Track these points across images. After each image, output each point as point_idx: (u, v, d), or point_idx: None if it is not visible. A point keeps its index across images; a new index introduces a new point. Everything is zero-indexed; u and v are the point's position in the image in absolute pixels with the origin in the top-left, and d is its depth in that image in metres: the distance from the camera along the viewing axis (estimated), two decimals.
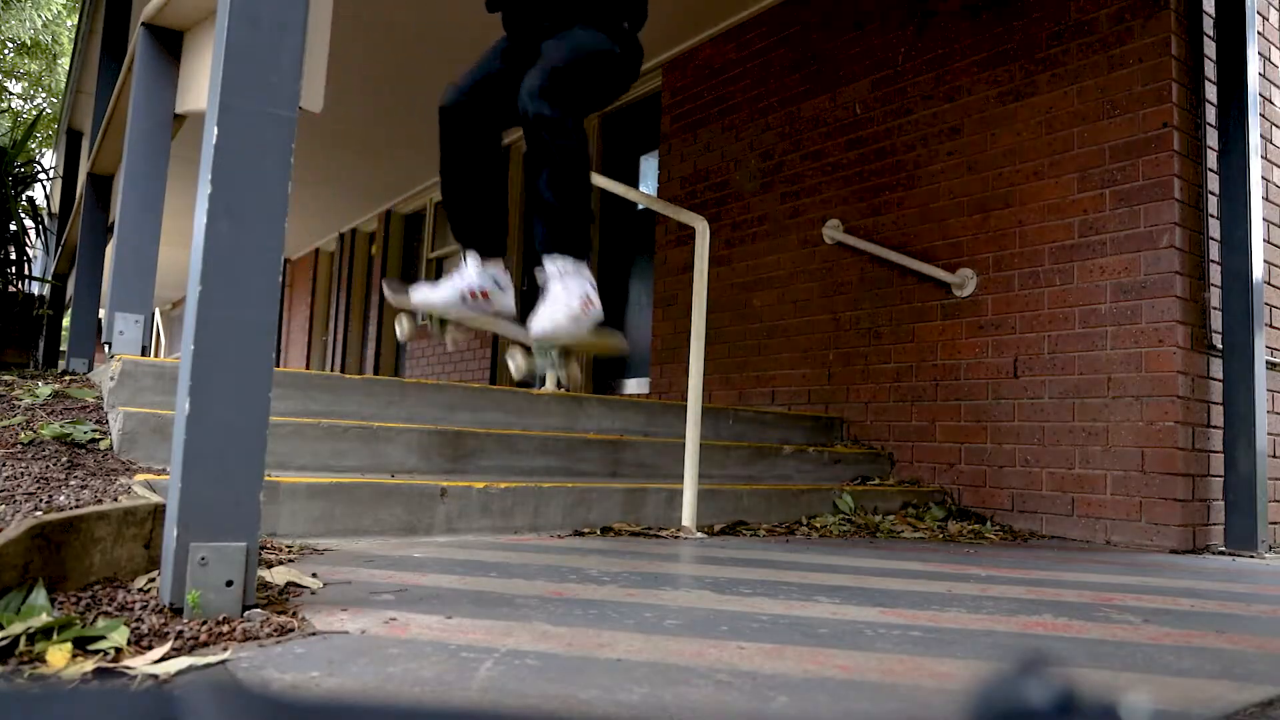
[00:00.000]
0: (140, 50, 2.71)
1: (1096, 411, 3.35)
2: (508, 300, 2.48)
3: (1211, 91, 3.39)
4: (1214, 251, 3.32)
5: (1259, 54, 3.55)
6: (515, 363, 2.36)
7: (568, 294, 2.22)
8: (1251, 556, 3.08)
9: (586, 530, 2.66)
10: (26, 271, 5.17)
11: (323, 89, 1.59)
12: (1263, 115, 3.55)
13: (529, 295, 2.62)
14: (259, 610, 1.31)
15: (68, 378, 3.20)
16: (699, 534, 2.79)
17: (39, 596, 1.19)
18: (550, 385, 3.66)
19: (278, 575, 1.57)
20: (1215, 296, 3.30)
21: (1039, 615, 1.68)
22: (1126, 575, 2.35)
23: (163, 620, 1.22)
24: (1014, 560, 2.59)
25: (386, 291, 2.51)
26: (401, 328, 2.53)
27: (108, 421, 2.41)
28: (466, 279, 2.44)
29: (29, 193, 5.33)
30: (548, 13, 2.42)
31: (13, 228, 4.91)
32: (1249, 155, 3.29)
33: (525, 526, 2.57)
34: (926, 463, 3.91)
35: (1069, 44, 3.57)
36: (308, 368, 11.43)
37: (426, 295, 2.44)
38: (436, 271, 9.00)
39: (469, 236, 2.46)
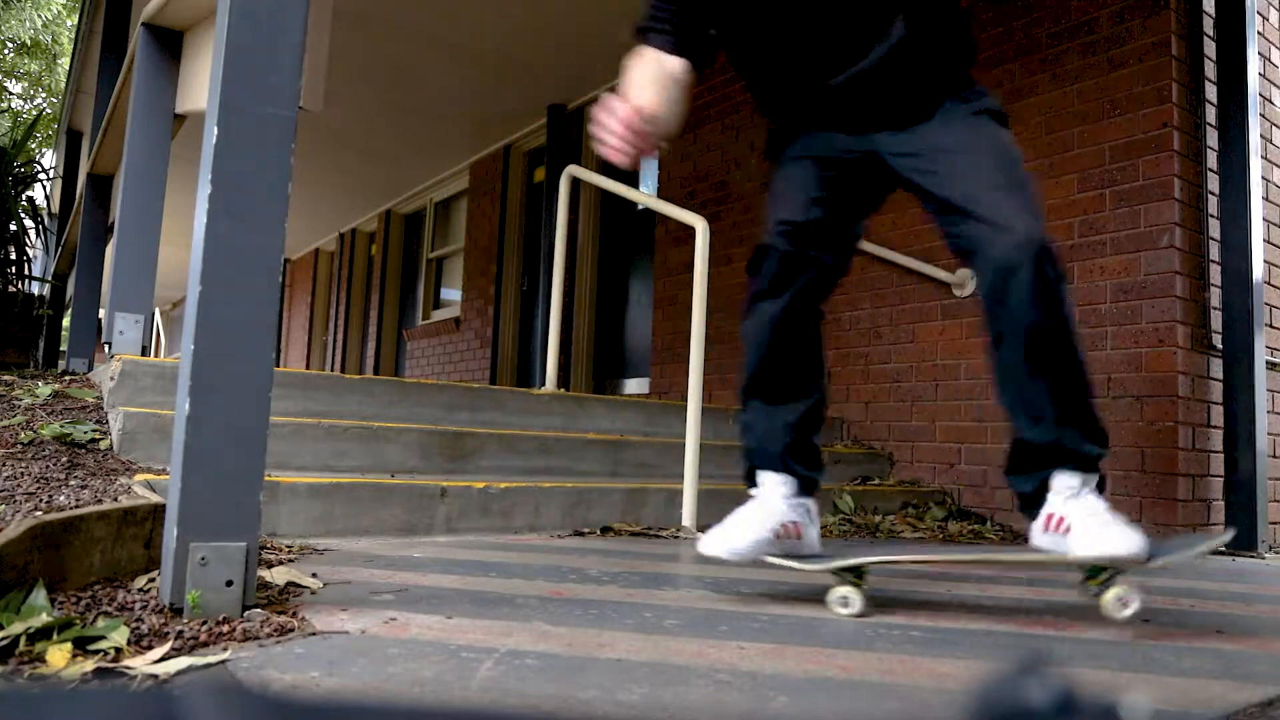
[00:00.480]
0: (140, 50, 2.71)
1: None
2: (814, 534, 1.81)
3: (1211, 91, 3.39)
4: (1214, 251, 3.31)
5: (1259, 54, 3.55)
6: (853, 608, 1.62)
7: (1108, 518, 1.54)
8: (1251, 556, 3.08)
9: (586, 530, 2.66)
10: (26, 271, 5.17)
11: (323, 89, 1.60)
12: (1263, 115, 3.55)
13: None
14: (259, 610, 1.31)
15: (68, 378, 3.21)
16: (699, 534, 2.78)
17: (39, 596, 1.19)
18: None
19: (278, 575, 1.57)
20: (1215, 296, 3.29)
21: (1039, 615, 1.68)
22: (1126, 575, 2.35)
23: (163, 620, 1.22)
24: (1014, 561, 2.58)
25: (702, 548, 1.77)
26: (851, 604, 1.62)
27: (108, 421, 2.41)
28: (776, 512, 1.77)
29: (29, 193, 5.32)
30: (896, 88, 1.70)
31: (13, 228, 4.91)
32: (1249, 155, 3.29)
33: (525, 526, 2.57)
34: (926, 463, 3.91)
35: (1069, 44, 3.57)
36: (308, 368, 11.43)
37: (735, 544, 1.72)
38: (436, 272, 9.00)
39: (783, 452, 1.80)
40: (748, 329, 1.81)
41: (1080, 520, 1.54)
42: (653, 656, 1.22)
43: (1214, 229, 3.33)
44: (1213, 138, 3.37)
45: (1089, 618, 1.66)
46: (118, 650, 1.09)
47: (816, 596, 1.72)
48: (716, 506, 3.01)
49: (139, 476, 1.99)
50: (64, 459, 2.05)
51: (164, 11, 2.62)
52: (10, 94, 15.61)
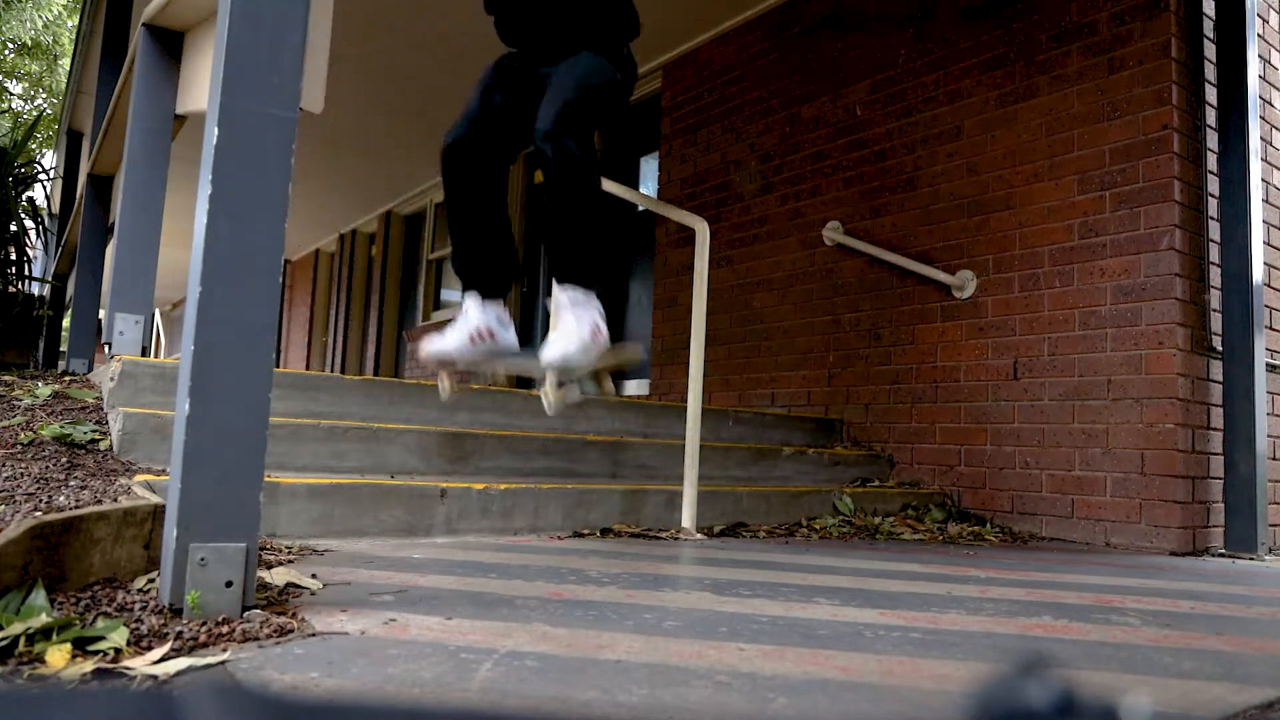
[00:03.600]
0: (141, 51, 2.71)
1: (1096, 413, 3.35)
2: (511, 337, 2.46)
3: (1211, 94, 3.40)
4: (1214, 254, 3.32)
5: (1259, 56, 3.55)
6: (550, 399, 2.34)
7: (579, 324, 2.23)
8: (1251, 559, 3.08)
9: (586, 531, 2.66)
10: (27, 272, 5.17)
11: (323, 89, 1.60)
12: (1263, 118, 3.55)
13: (527, 311, 2.68)
14: (258, 611, 1.31)
15: (68, 378, 3.20)
16: (699, 535, 2.79)
17: (39, 597, 1.19)
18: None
19: (277, 576, 1.57)
20: (1215, 298, 3.30)
21: (1039, 617, 1.68)
22: (1126, 577, 2.35)
23: (162, 621, 1.21)
24: (1014, 562, 2.59)
25: (412, 348, 2.63)
26: (443, 386, 2.52)
27: (107, 422, 2.41)
28: (471, 320, 2.41)
29: (29, 193, 5.33)
30: (550, 36, 2.41)
31: (13, 228, 4.91)
32: (1249, 157, 3.29)
33: (525, 528, 2.57)
34: (926, 464, 3.91)
35: (1069, 46, 3.58)
36: (308, 368, 11.43)
37: (438, 344, 2.41)
38: (436, 273, 9.01)
39: (474, 277, 2.44)
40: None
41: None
42: (652, 658, 1.22)
43: (1214, 231, 3.33)
44: (1213, 140, 3.38)
45: (1089, 620, 1.66)
46: (117, 651, 1.09)
47: (817, 598, 1.72)
48: (716, 508, 3.01)
49: (139, 477, 1.99)
50: (64, 459, 2.05)
51: (165, 12, 2.62)
52: (11, 95, 15.62)
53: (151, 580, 1.39)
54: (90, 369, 3.69)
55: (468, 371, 2.52)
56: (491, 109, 2.40)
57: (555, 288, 2.30)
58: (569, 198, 2.23)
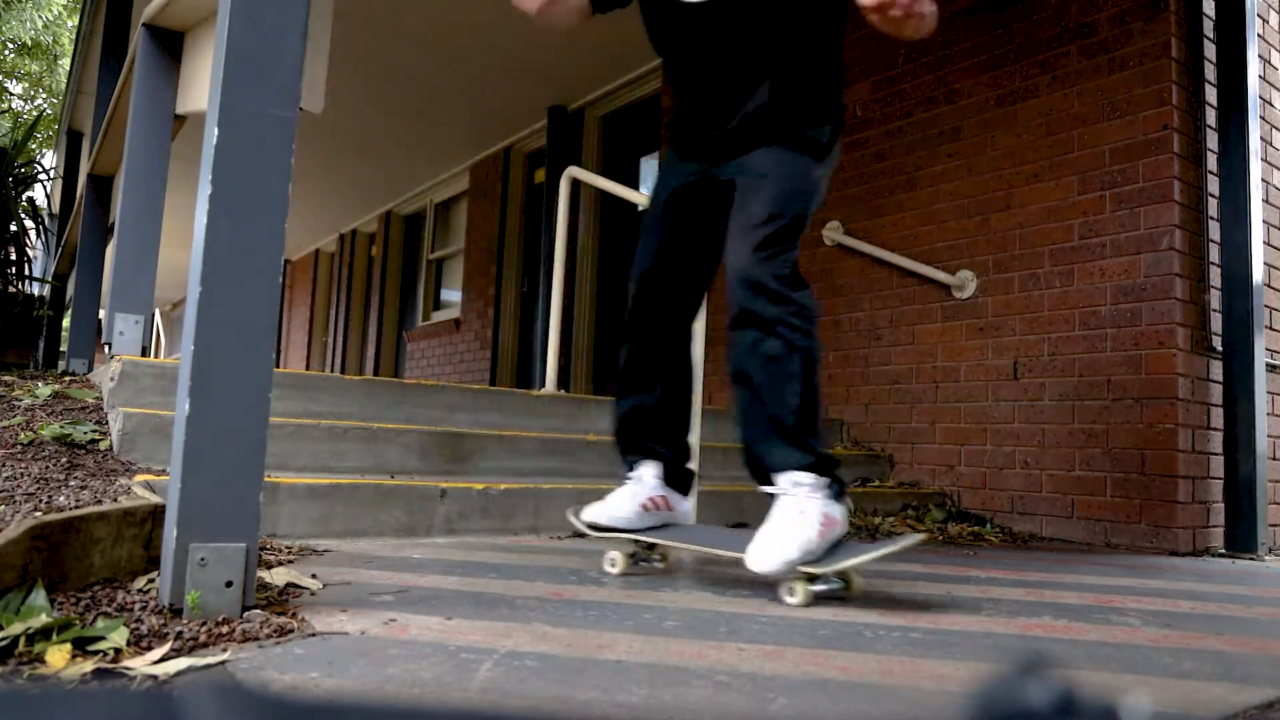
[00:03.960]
0: (141, 51, 2.71)
1: (1096, 413, 3.35)
2: (688, 509, 2.10)
3: (1211, 94, 3.39)
4: (1214, 254, 3.32)
5: (1259, 56, 3.55)
6: (792, 599, 1.72)
7: (802, 518, 1.70)
8: (1251, 559, 3.08)
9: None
10: (27, 272, 5.17)
11: (324, 89, 1.60)
12: (1263, 118, 3.55)
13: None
14: (258, 611, 1.31)
15: (68, 378, 3.21)
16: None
17: (38, 597, 1.19)
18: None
19: (277, 576, 1.57)
20: (1215, 299, 3.30)
21: (1039, 617, 1.68)
22: (1126, 577, 2.35)
23: (162, 621, 1.21)
24: (1014, 562, 2.59)
25: (573, 520, 2.05)
26: (611, 559, 1.99)
27: (107, 422, 2.41)
28: (645, 486, 2.02)
29: (29, 193, 5.33)
30: (740, 120, 1.90)
31: (13, 228, 4.91)
32: (1249, 158, 3.29)
33: (525, 528, 2.57)
34: (926, 465, 3.91)
35: (1069, 46, 3.58)
36: (308, 368, 11.43)
37: (604, 511, 1.99)
38: (436, 273, 9.00)
39: (649, 438, 2.05)
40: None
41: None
42: (652, 658, 1.22)
43: (1214, 231, 3.33)
44: (1213, 140, 3.38)
45: (1089, 620, 1.66)
46: (117, 651, 1.09)
47: (818, 599, 1.72)
48: (717, 508, 3.01)
49: (139, 477, 1.99)
50: (64, 459, 2.05)
51: (165, 12, 2.62)
52: (11, 95, 15.62)
53: (151, 580, 1.39)
54: (90, 369, 3.69)
55: (644, 547, 2.07)
56: (676, 238, 2.01)
57: (776, 477, 1.80)
58: (786, 362, 1.77)
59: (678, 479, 2.08)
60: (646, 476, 2.03)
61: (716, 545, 1.89)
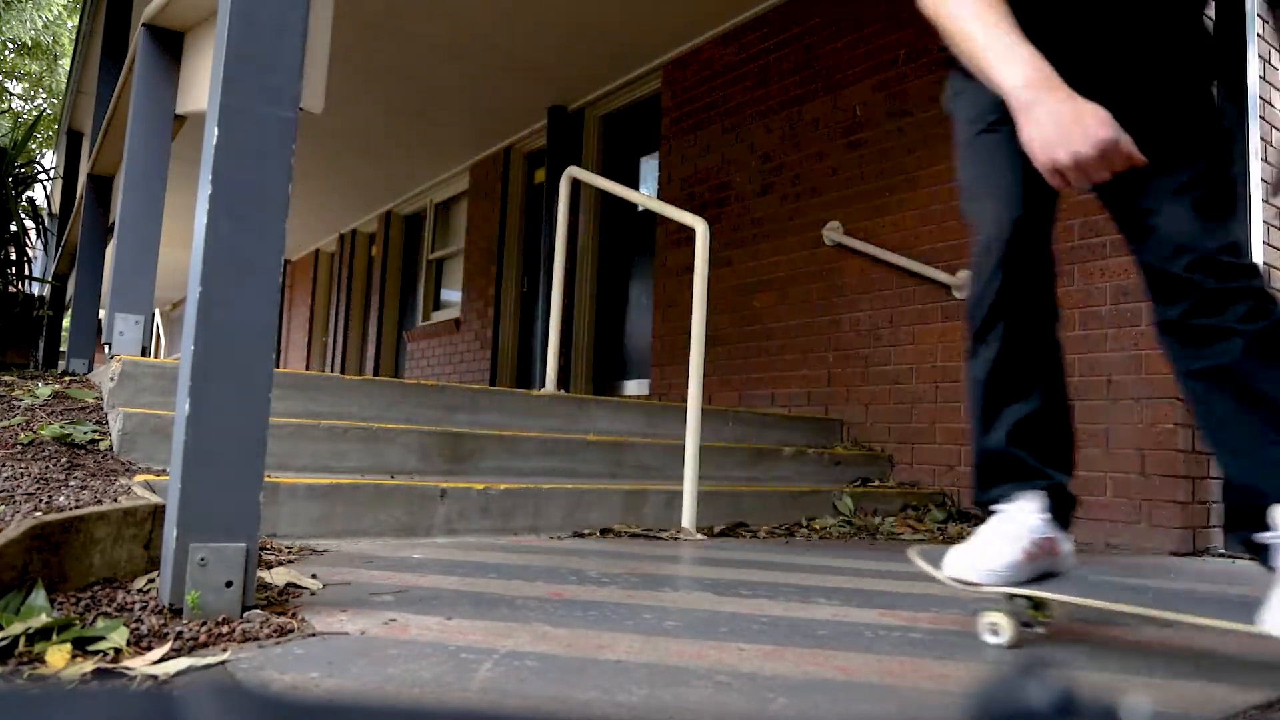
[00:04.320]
0: (141, 51, 2.71)
1: (1096, 413, 3.35)
2: (1069, 547, 1.55)
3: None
4: None
5: (1259, 56, 3.55)
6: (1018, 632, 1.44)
7: None
8: (1251, 559, 3.08)
9: (586, 531, 2.66)
10: (27, 272, 5.17)
11: (323, 89, 1.59)
12: (1262, 118, 3.55)
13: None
14: (258, 611, 1.31)
15: (68, 378, 3.21)
16: (699, 535, 2.79)
17: (38, 597, 1.19)
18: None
19: (277, 576, 1.57)
20: None
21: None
22: (1126, 577, 2.35)
23: (162, 621, 1.21)
24: None
25: (920, 563, 1.56)
26: (1002, 633, 1.45)
27: (107, 422, 2.41)
28: (1026, 525, 1.48)
29: (29, 193, 5.33)
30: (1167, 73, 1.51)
31: (13, 228, 4.91)
32: (1249, 157, 3.29)
33: (525, 528, 2.57)
34: (926, 465, 3.91)
35: None
36: (308, 368, 11.43)
37: (977, 564, 1.46)
38: (437, 273, 8.99)
39: (1037, 458, 1.53)
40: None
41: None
42: (652, 658, 1.22)
43: None
44: None
45: (1090, 620, 1.66)
46: (117, 651, 1.09)
47: (817, 598, 1.72)
48: (717, 508, 3.01)
49: (139, 477, 1.99)
50: (64, 460, 2.05)
51: (165, 12, 2.62)
52: (11, 95, 15.62)
53: (151, 580, 1.39)
54: (90, 369, 3.69)
55: (1029, 606, 1.52)
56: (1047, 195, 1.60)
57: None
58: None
59: (1063, 511, 1.55)
60: (1027, 511, 1.51)
61: (1178, 609, 1.33)
